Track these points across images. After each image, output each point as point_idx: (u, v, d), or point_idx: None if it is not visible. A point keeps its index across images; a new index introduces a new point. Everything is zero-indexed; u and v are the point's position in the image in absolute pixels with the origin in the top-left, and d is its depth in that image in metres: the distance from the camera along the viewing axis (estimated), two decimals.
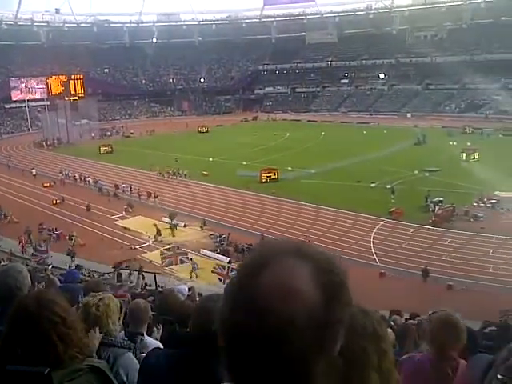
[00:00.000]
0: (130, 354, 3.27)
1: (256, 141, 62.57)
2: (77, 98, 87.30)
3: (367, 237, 29.26)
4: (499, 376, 0.63)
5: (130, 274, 12.59)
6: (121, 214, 36.07)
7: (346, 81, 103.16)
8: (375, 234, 29.76)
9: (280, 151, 55.18)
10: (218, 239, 30.04)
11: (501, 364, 0.60)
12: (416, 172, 42.27)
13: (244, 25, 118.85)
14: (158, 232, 31.24)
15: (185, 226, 32.95)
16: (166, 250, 26.64)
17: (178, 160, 49.93)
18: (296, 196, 36.84)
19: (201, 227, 32.49)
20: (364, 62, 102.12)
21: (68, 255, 27.06)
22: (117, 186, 42.14)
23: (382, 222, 31.33)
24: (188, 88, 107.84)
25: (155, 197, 38.82)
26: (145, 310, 4.32)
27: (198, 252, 28.52)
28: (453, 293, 22.41)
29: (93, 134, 75.38)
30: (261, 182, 41.89)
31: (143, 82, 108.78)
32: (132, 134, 76.51)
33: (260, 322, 0.84)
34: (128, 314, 4.31)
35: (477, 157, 46.23)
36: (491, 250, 26.20)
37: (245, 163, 49.33)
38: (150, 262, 26.92)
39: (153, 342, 3.98)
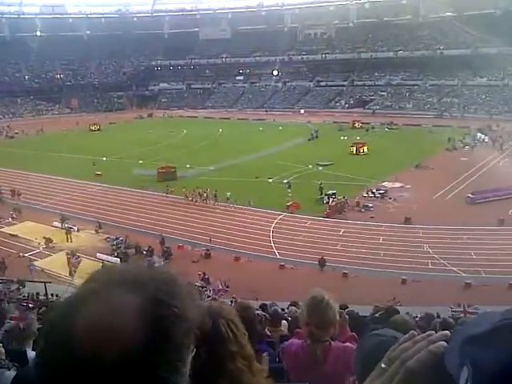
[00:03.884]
0: (11, 372, 3.09)
1: (152, 138, 61.24)
2: None
3: (267, 231, 29.77)
4: (382, 365, 0.67)
5: (18, 289, 11.71)
6: (7, 220, 33.46)
7: (241, 77, 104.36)
8: (274, 227, 30.36)
9: (177, 149, 54.46)
10: (115, 242, 28.95)
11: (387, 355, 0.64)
12: (310, 166, 43.78)
13: (135, 19, 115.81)
14: (48, 238, 29.30)
15: (78, 231, 31.30)
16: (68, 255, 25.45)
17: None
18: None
19: (96, 230, 31.05)
20: (257, 58, 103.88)
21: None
22: None
23: (280, 216, 32.03)
24: (77, 84, 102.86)
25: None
26: (27, 326, 4.03)
27: (94, 256, 27.25)
28: (348, 280, 23.51)
29: None
30: (158, 180, 41.02)
31: (27, 78, 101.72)
32: (17, 133, 71.27)
33: (71, 365, 0.72)
34: (9, 331, 4.02)
35: (365, 150, 48.93)
36: (381, 238, 27.85)
37: (141, 162, 48.04)
38: (42, 270, 25.37)
39: None
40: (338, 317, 3.09)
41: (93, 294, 0.79)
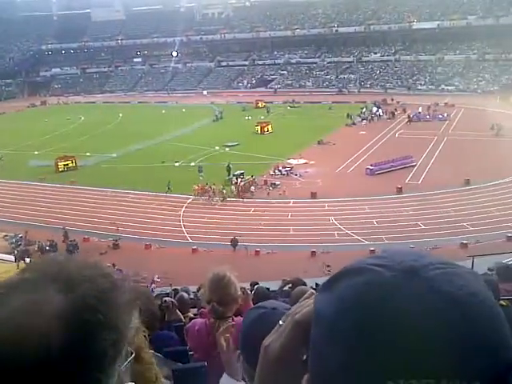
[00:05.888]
0: None
1: (47, 127, 57.66)
2: None
3: (177, 216, 29.34)
4: (280, 322, 0.73)
5: None
6: None
7: (139, 59, 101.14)
8: (184, 212, 29.98)
9: (76, 137, 51.80)
10: (14, 239, 27.12)
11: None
12: (217, 148, 43.59)
13: (19, 0, 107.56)
14: None
15: None
16: None
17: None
18: (98, 182, 35.03)
19: None
20: (155, 39, 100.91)
21: None
22: None
23: (189, 200, 31.65)
24: None
25: None
26: None
27: None
28: (260, 258, 23.86)
29: None
30: (57, 171, 38.81)
31: None
32: None
33: None
34: None
35: (270, 129, 49.57)
36: (290, 214, 28.51)
37: (37, 152, 45.18)
38: None
39: None
40: (239, 292, 3.12)
41: (17, 286, 0.74)
